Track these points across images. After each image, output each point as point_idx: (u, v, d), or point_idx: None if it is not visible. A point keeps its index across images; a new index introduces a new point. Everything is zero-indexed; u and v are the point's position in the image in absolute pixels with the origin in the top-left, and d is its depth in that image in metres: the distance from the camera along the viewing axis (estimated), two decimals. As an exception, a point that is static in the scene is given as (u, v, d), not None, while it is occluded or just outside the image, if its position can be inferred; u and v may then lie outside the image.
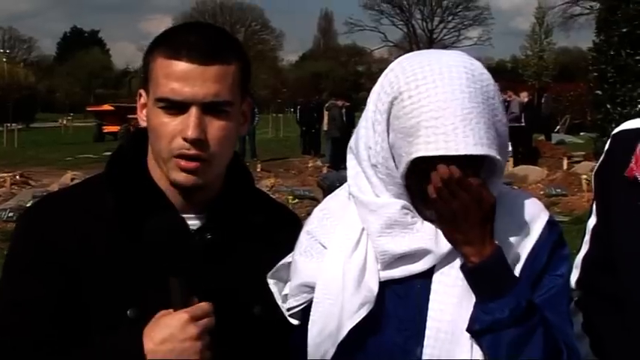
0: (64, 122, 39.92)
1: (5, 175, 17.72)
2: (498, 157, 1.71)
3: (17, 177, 17.68)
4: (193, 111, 1.77)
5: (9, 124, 33.40)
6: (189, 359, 1.68)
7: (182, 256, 1.84)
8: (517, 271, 1.79)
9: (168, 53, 1.79)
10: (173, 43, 1.81)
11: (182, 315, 1.69)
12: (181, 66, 1.77)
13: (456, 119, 1.66)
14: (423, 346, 1.75)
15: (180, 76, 1.77)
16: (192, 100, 1.77)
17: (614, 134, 2.12)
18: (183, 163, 1.79)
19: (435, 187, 1.67)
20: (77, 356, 1.77)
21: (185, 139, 1.77)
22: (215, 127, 1.80)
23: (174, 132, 1.78)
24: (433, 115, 1.66)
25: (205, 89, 1.77)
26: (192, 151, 1.78)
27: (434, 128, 1.66)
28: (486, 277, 1.72)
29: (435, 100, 1.68)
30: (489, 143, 1.68)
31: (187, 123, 1.76)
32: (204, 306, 1.72)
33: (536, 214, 1.87)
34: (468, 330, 1.73)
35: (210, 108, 1.79)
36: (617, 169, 2.00)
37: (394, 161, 1.76)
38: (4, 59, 54.23)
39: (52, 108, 50.44)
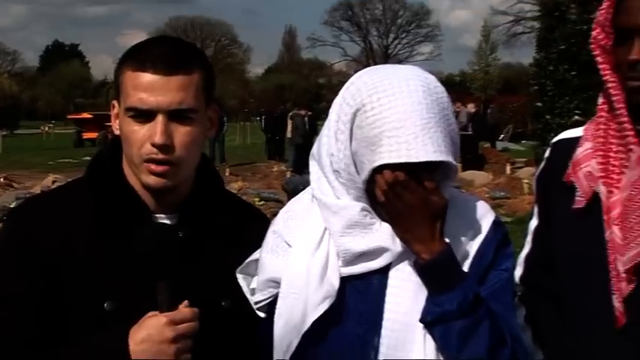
0: (46, 129, 40.18)
1: None
2: (454, 162, 1.76)
3: (1, 179, 17.76)
4: (159, 118, 1.79)
5: None
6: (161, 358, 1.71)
7: (160, 257, 1.86)
8: (466, 267, 1.83)
9: (135, 66, 1.82)
10: (139, 56, 1.84)
11: (161, 318, 1.71)
12: (147, 77, 1.79)
13: (417, 129, 1.69)
14: (380, 336, 1.78)
15: (147, 86, 1.80)
16: (158, 108, 1.79)
17: (553, 143, 2.17)
18: (152, 167, 1.82)
19: (381, 189, 1.73)
20: (66, 354, 1.78)
21: (153, 145, 1.79)
22: (181, 132, 1.82)
23: (143, 138, 1.81)
24: (395, 126, 1.70)
25: (170, 98, 1.80)
26: (160, 156, 1.81)
27: (396, 137, 1.70)
28: (436, 272, 1.75)
29: (395, 111, 1.71)
30: (446, 150, 1.72)
31: (155, 130, 1.79)
32: (185, 311, 1.74)
33: (483, 215, 1.91)
34: (421, 321, 1.76)
35: (175, 115, 1.81)
36: (557, 175, 2.03)
37: (356, 167, 1.79)
38: None
39: (35, 116, 50.81)
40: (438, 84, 1.80)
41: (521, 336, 1.91)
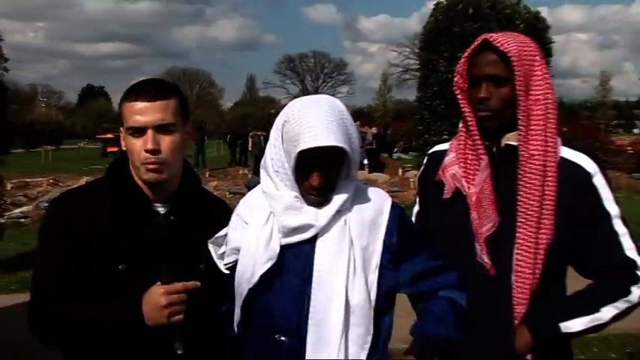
0: (81, 145, 44.13)
1: (43, 179, 20.52)
2: (349, 149, 1.88)
3: (50, 180, 20.30)
4: (149, 132, 1.99)
5: (46, 146, 37.02)
6: (158, 320, 1.87)
7: (158, 234, 2.04)
8: (380, 238, 1.96)
9: (130, 99, 2.02)
10: (132, 92, 2.04)
11: (159, 289, 1.88)
12: (138, 105, 1.99)
13: (322, 127, 1.85)
14: (311, 287, 1.90)
15: (138, 111, 1.99)
16: (147, 125, 1.99)
17: (429, 153, 2.35)
18: (149, 166, 2.00)
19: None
20: (97, 310, 1.95)
21: (147, 151, 1.98)
22: (166, 140, 2.01)
23: (140, 148, 2.00)
24: (308, 126, 1.86)
25: (154, 117, 1.99)
26: (153, 158, 1.99)
27: (308, 133, 1.85)
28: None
29: (307, 118, 1.88)
30: (343, 141, 1.86)
31: (147, 140, 1.98)
32: (177, 285, 1.89)
33: (383, 199, 2.04)
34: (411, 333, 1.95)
35: (160, 128, 2.00)
36: (431, 175, 2.23)
37: (288, 164, 1.93)
38: (43, 105, 64.65)
39: (74, 136, 55.46)
40: (341, 105, 1.96)
41: (454, 281, 2.04)
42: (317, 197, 1.94)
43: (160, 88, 2.04)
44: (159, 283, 1.90)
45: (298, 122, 1.89)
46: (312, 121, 1.88)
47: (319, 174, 1.91)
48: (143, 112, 1.99)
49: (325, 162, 1.90)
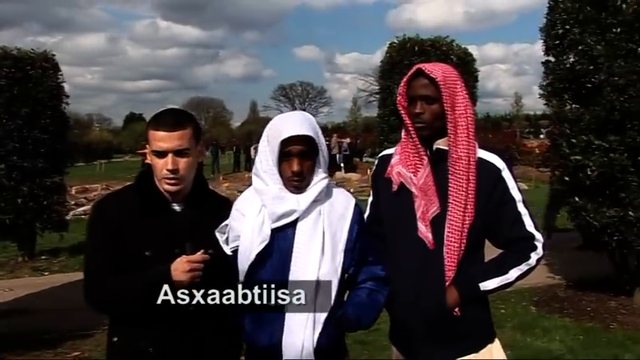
0: (126, 158, 45.17)
1: (98, 185, 20.51)
2: (318, 143, 1.91)
3: (104, 186, 20.17)
4: (169, 155, 1.95)
5: (100, 160, 37.84)
6: (183, 282, 1.87)
7: (176, 227, 1.99)
8: (346, 228, 1.96)
9: (154, 127, 1.97)
10: (156, 121, 1.98)
11: (185, 259, 1.89)
12: (160, 134, 1.95)
13: (297, 123, 1.89)
14: (291, 262, 1.90)
15: (160, 138, 1.95)
16: (167, 150, 1.95)
17: (379, 157, 2.29)
18: (168, 181, 1.98)
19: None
20: (133, 276, 1.91)
21: (167, 170, 1.95)
22: (182, 162, 1.97)
23: (162, 167, 1.96)
24: (285, 124, 1.90)
25: (174, 144, 1.95)
26: (171, 176, 1.96)
27: (286, 127, 1.88)
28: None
29: (286, 119, 1.94)
30: (313, 133, 1.89)
31: (167, 162, 1.95)
32: (196, 256, 1.90)
33: (349, 198, 2.04)
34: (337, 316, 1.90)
35: (178, 153, 1.95)
36: (381, 173, 2.18)
37: (272, 159, 1.92)
38: (97, 128, 66.60)
39: (120, 152, 56.18)
40: (311, 117, 1.98)
41: (382, 274, 2.05)
42: (297, 182, 1.92)
43: (177, 120, 2.00)
44: (183, 256, 1.90)
45: (279, 123, 1.94)
46: (289, 120, 1.93)
47: (298, 161, 1.90)
48: (164, 139, 1.96)
49: (302, 152, 1.90)
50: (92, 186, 20.56)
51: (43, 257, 9.45)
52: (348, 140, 27.56)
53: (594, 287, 6.25)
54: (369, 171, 21.38)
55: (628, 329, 5.13)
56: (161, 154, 1.97)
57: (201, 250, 1.92)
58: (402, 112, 2.09)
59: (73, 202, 14.02)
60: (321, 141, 1.94)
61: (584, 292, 6.23)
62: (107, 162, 40.74)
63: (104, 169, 34.61)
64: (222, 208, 2.09)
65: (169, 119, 1.98)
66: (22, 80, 8.53)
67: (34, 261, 9.19)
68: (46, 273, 8.58)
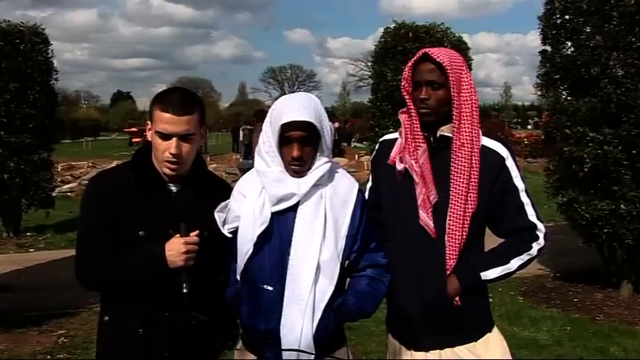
0: (113, 136, 45.84)
1: (84, 162, 20.53)
2: (320, 128, 1.85)
3: (90, 163, 20.25)
4: (174, 140, 1.89)
5: (86, 138, 37.96)
6: (177, 263, 1.84)
7: (171, 207, 1.95)
8: (349, 214, 1.91)
9: (161, 108, 1.89)
10: (164, 101, 1.91)
11: (179, 239, 1.85)
12: (167, 116, 1.88)
13: (299, 107, 1.83)
14: (291, 246, 1.86)
15: (167, 121, 1.88)
16: (173, 133, 1.89)
17: (380, 141, 2.25)
18: (169, 165, 1.92)
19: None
20: (126, 255, 1.87)
21: (171, 154, 1.90)
22: (186, 147, 1.91)
23: (164, 149, 1.90)
24: (287, 108, 1.84)
25: (180, 128, 1.88)
26: (173, 159, 1.90)
27: (288, 111, 1.83)
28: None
29: (289, 102, 1.87)
30: (315, 119, 1.83)
31: (171, 145, 1.89)
32: (192, 237, 1.86)
33: (353, 183, 1.99)
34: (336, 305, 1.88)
35: (183, 137, 1.90)
36: (382, 159, 2.14)
37: (274, 142, 1.88)
38: (84, 106, 66.81)
39: (107, 130, 56.62)
40: (316, 99, 1.92)
41: (383, 262, 2.00)
42: (297, 167, 1.87)
43: (187, 104, 1.93)
44: (178, 236, 1.86)
45: (282, 105, 1.88)
46: (292, 104, 1.87)
47: (298, 146, 1.85)
48: (171, 122, 1.89)
49: (302, 138, 1.85)
50: (78, 163, 20.43)
51: (29, 234, 9.38)
52: (336, 125, 27.02)
53: (582, 279, 6.28)
54: (356, 156, 21.58)
55: (614, 321, 5.16)
56: (166, 136, 1.91)
57: (196, 232, 1.88)
58: (407, 97, 2.05)
59: (59, 179, 13.96)
60: (324, 125, 1.89)
61: (572, 283, 6.26)
62: (94, 139, 40.93)
63: (91, 146, 34.49)
64: (220, 190, 2.04)
65: (178, 103, 1.91)
66: (11, 54, 8.45)
67: (19, 237, 9.15)
68: (32, 250, 8.54)
